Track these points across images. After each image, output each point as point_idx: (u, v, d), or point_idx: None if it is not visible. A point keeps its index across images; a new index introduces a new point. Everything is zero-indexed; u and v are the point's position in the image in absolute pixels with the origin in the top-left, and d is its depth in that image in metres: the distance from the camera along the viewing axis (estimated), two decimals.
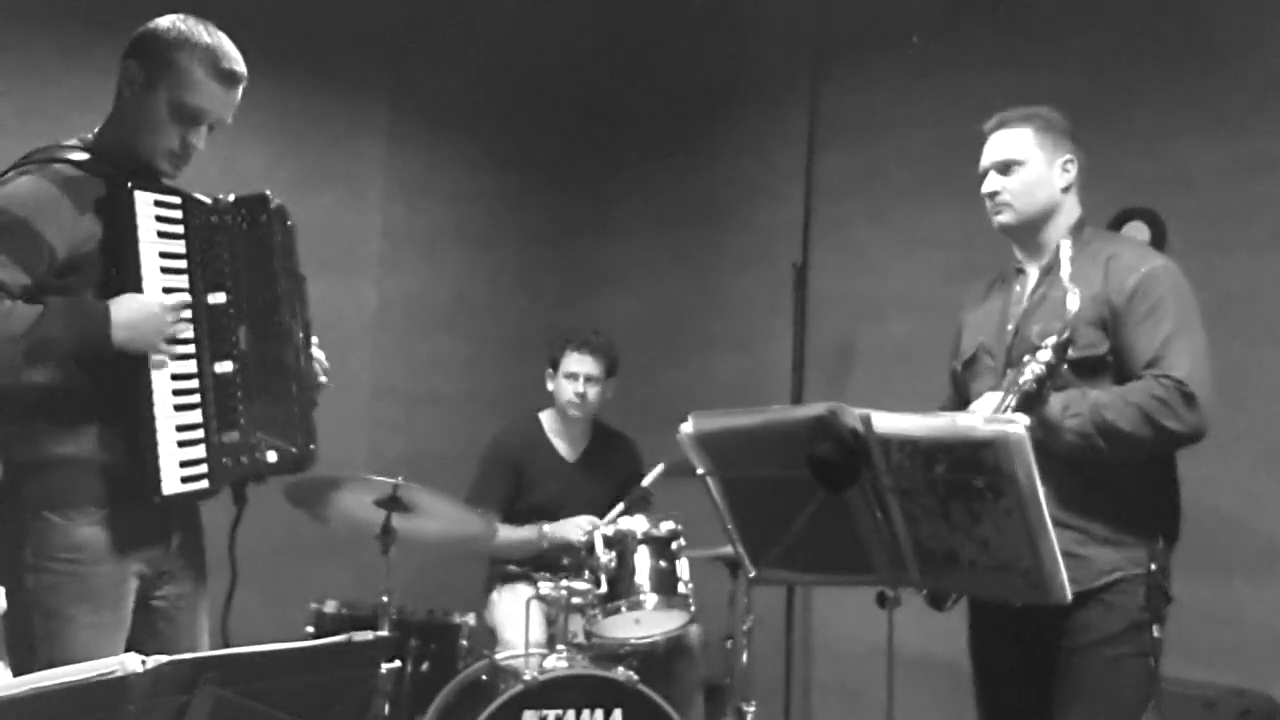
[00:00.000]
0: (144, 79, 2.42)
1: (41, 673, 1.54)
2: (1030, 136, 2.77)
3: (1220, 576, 3.41)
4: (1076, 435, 2.53)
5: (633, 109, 5.65)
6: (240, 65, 2.48)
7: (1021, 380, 2.50)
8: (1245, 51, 3.77)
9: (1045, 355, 2.50)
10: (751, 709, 3.87)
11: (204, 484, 2.41)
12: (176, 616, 2.49)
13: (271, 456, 2.48)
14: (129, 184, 2.35)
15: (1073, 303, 2.51)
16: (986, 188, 2.80)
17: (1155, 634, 2.57)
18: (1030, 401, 2.48)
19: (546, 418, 4.46)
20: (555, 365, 4.38)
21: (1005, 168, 2.78)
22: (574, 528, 4.05)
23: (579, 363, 4.34)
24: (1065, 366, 2.53)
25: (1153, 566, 2.58)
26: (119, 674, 1.53)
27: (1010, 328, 2.78)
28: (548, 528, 4.15)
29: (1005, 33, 4.35)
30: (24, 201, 2.29)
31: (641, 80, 5.63)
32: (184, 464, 2.37)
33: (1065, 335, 2.50)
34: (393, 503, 3.50)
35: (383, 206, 5.20)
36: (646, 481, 4.00)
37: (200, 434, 2.40)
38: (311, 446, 2.55)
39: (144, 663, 1.55)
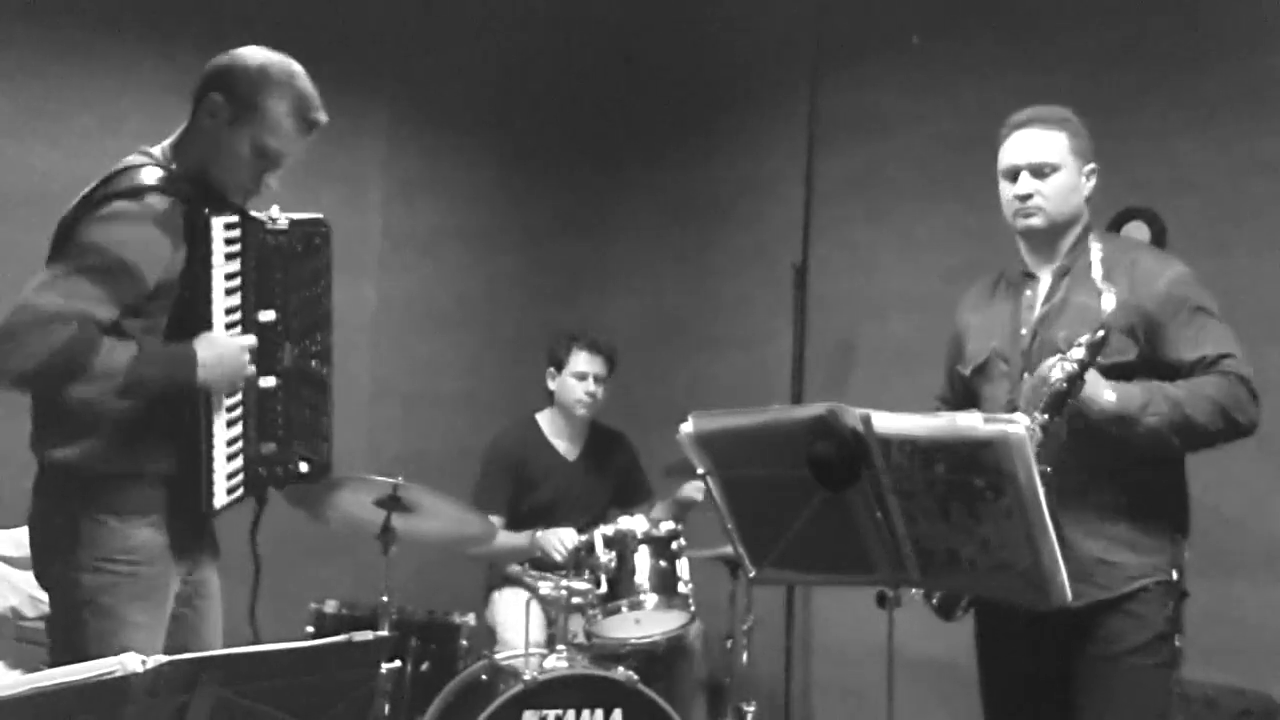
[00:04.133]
0: (229, 116, 2.46)
1: (41, 673, 1.54)
2: (1065, 142, 2.75)
3: (1221, 576, 3.41)
4: (1151, 432, 2.54)
5: (633, 109, 5.64)
6: (323, 114, 2.55)
7: (1052, 379, 2.50)
8: (1245, 52, 3.77)
9: (1078, 354, 2.50)
10: (751, 709, 3.87)
11: (240, 492, 2.52)
12: (197, 603, 2.56)
13: (304, 467, 2.61)
14: (206, 211, 2.42)
15: (1108, 302, 2.51)
16: (1020, 189, 2.75)
17: (1177, 644, 2.59)
18: (1060, 401, 2.48)
19: (544, 418, 4.46)
20: (559, 365, 4.38)
21: (1039, 170, 2.74)
22: (556, 541, 4.04)
23: (589, 363, 4.34)
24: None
25: (1174, 575, 2.60)
26: (119, 674, 1.53)
27: (1024, 332, 2.76)
28: (539, 534, 4.14)
29: (1006, 33, 4.35)
30: (128, 243, 2.34)
31: (641, 80, 5.62)
32: (229, 476, 2.47)
33: (1100, 334, 2.50)
34: (393, 503, 3.50)
35: (383, 206, 5.20)
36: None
37: (241, 445, 2.50)
38: (330, 456, 2.69)
39: (144, 663, 1.55)
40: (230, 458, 2.47)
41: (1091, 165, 2.79)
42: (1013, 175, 2.78)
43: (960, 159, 4.36)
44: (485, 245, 5.48)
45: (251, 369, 2.47)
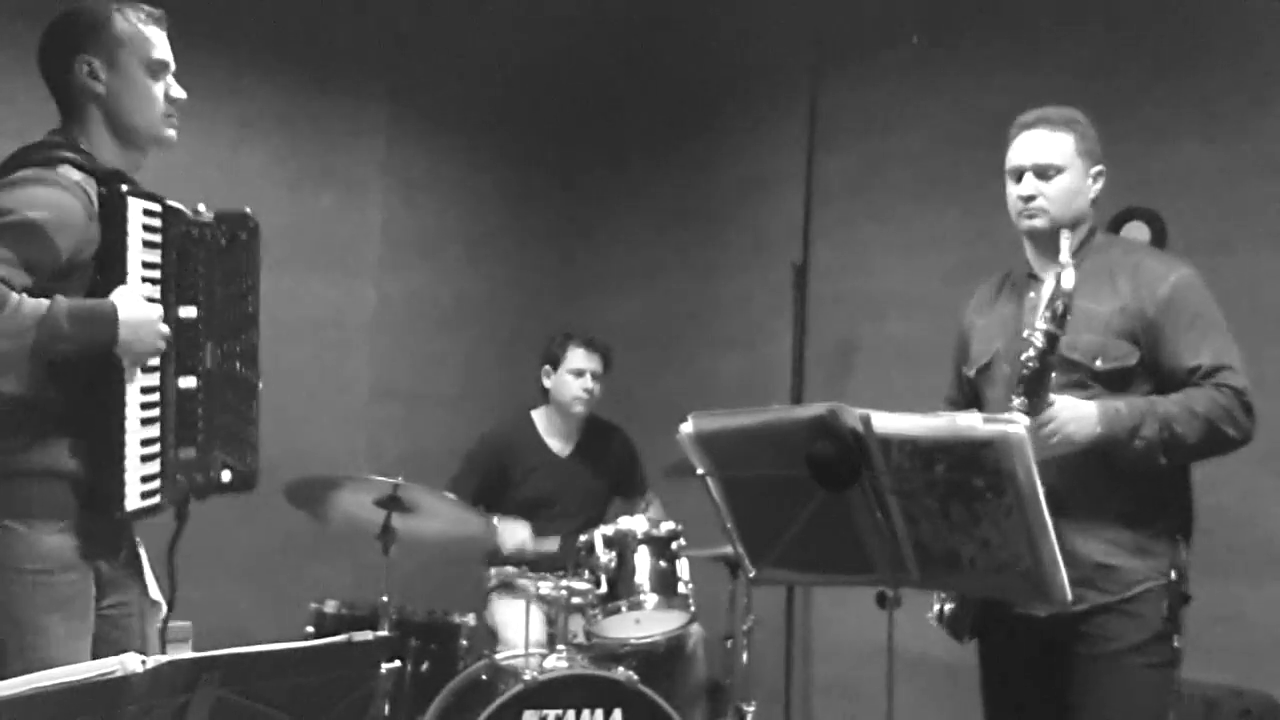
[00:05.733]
0: (106, 63, 2.37)
1: (41, 673, 1.54)
2: (1072, 144, 2.74)
3: (1220, 576, 3.40)
4: (1139, 453, 2.55)
5: (633, 109, 5.64)
6: (155, 7, 2.46)
7: (1023, 357, 2.52)
8: (1245, 52, 3.76)
9: (1043, 326, 2.51)
10: (751, 709, 3.87)
11: (156, 499, 2.36)
12: (128, 624, 2.43)
13: (226, 476, 2.46)
14: (123, 188, 2.31)
15: (1068, 279, 2.51)
16: (1024, 190, 2.74)
17: (1176, 644, 2.59)
18: (1036, 381, 2.49)
19: (539, 415, 4.47)
20: (555, 362, 4.39)
21: (1044, 172, 2.73)
22: (509, 535, 4.06)
23: (585, 359, 4.36)
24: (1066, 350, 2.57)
25: (1173, 575, 2.60)
26: (119, 674, 1.53)
27: (1026, 335, 2.75)
28: (498, 523, 4.11)
29: (1006, 33, 4.35)
30: (42, 205, 2.23)
31: (641, 80, 5.62)
32: (144, 479, 2.32)
33: (1060, 306, 2.51)
34: (393, 503, 3.50)
35: (383, 206, 5.21)
36: None
37: (157, 449, 2.35)
38: (258, 465, 2.54)
39: (144, 662, 1.55)
40: (145, 459, 2.31)
41: (1099, 167, 2.78)
42: (1018, 176, 2.77)
43: (960, 159, 4.36)
44: (485, 245, 5.49)
45: (165, 330, 2.31)
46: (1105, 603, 2.59)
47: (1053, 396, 2.55)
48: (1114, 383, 2.62)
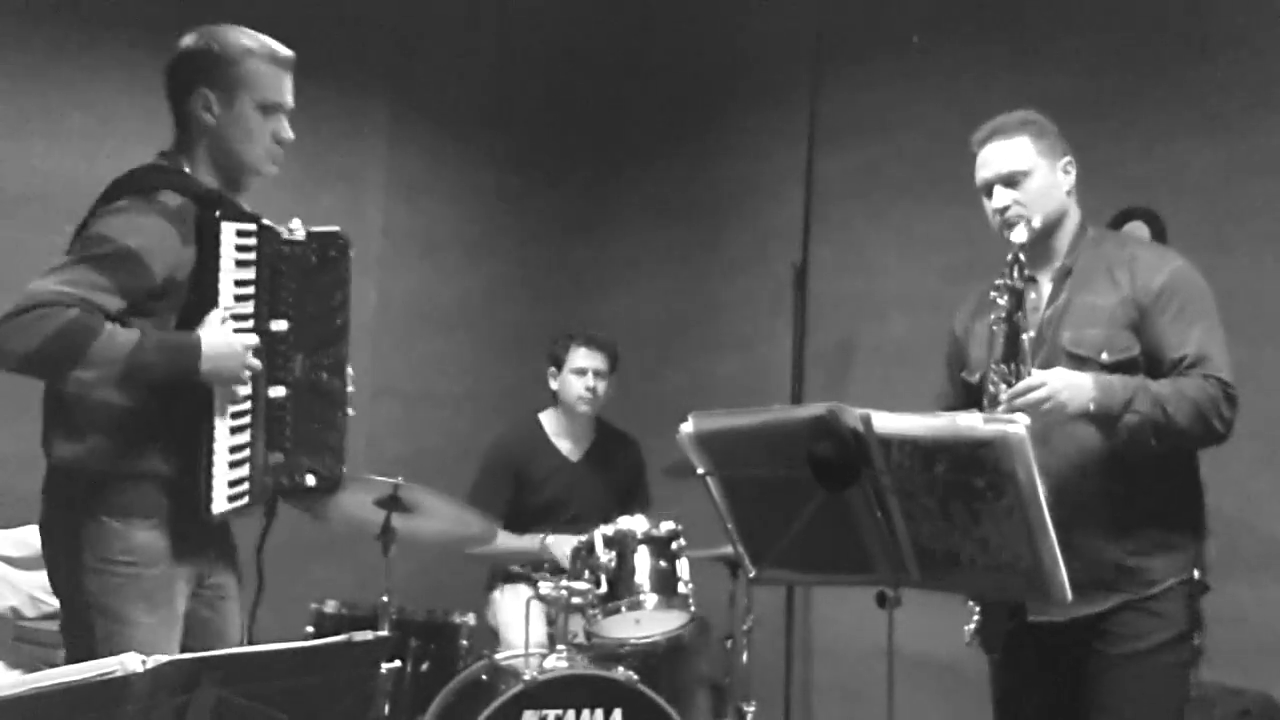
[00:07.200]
0: (223, 97, 2.53)
1: (41, 672, 1.54)
2: (1029, 144, 2.74)
3: (1220, 576, 3.39)
4: (1130, 430, 2.54)
5: (632, 109, 5.64)
6: (284, 47, 2.64)
7: (991, 319, 2.57)
8: (1244, 51, 3.76)
9: (1002, 281, 2.58)
10: (751, 709, 3.87)
11: (245, 501, 2.50)
12: (221, 606, 2.60)
13: (310, 480, 2.63)
14: (217, 214, 2.44)
15: (1019, 235, 2.64)
16: (997, 203, 2.74)
17: (1196, 642, 2.59)
18: (1011, 341, 2.54)
19: (547, 418, 4.46)
20: (559, 363, 4.39)
21: (1011, 180, 2.73)
22: (569, 547, 4.04)
23: (587, 358, 4.35)
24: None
25: (1196, 574, 2.60)
26: (119, 674, 1.53)
27: (991, 297, 2.72)
28: (549, 539, 4.14)
29: (1006, 33, 4.35)
30: (138, 232, 2.37)
31: (641, 80, 5.62)
32: (232, 483, 2.46)
33: (1013, 256, 2.59)
34: (393, 503, 3.51)
35: (383, 206, 5.20)
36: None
37: (246, 454, 2.49)
38: (344, 469, 2.71)
39: (144, 663, 1.55)
40: (234, 464, 2.46)
41: (1066, 159, 2.77)
42: (988, 191, 2.78)
43: (960, 159, 4.32)
44: (485, 245, 5.49)
45: (254, 362, 2.45)
46: (1128, 600, 2.59)
47: (1035, 369, 2.57)
48: (1117, 374, 2.62)
